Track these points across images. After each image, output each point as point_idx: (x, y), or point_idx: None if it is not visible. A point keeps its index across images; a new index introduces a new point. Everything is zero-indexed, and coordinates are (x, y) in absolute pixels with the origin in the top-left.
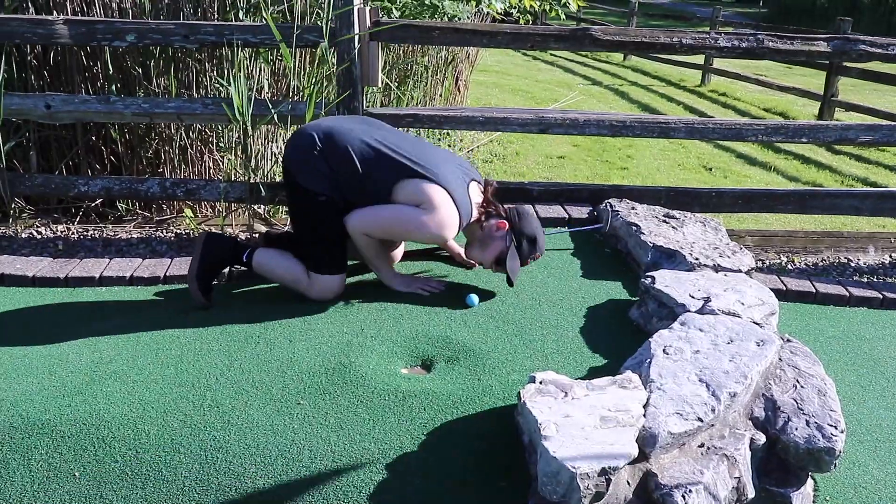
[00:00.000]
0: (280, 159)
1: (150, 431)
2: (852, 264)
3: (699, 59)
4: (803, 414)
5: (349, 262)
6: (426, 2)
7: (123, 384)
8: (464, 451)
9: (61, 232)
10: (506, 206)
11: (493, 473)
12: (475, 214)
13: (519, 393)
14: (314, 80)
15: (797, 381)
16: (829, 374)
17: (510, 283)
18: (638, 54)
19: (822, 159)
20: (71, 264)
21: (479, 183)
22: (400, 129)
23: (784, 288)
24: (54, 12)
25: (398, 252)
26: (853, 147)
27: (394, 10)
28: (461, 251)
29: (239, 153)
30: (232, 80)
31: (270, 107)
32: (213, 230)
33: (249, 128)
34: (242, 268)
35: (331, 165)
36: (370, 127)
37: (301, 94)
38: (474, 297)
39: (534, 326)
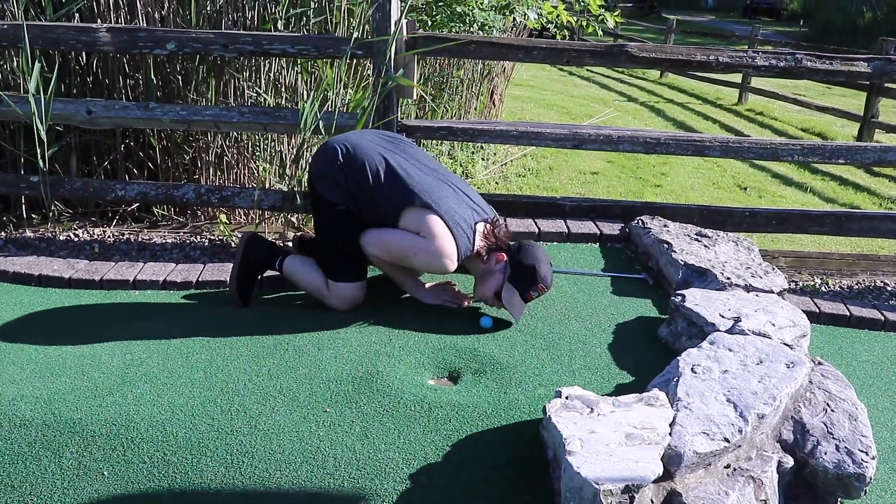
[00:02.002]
0: None
1: (178, 434)
2: (888, 288)
3: (737, 77)
4: (833, 438)
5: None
6: (457, 9)
7: (153, 387)
8: (488, 464)
9: (98, 235)
10: (515, 242)
11: (516, 487)
12: (477, 248)
13: (544, 407)
14: (357, 92)
15: (827, 404)
16: (861, 398)
17: (515, 318)
18: (674, 71)
19: (860, 181)
20: (106, 267)
21: (488, 223)
22: (433, 141)
23: (817, 310)
24: (98, 20)
25: None
26: (893, 169)
27: (429, 23)
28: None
29: (274, 162)
30: (305, 92)
31: (318, 117)
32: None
33: (307, 138)
34: (275, 272)
35: (347, 178)
36: (394, 147)
37: (333, 103)
38: (488, 320)
39: (562, 341)
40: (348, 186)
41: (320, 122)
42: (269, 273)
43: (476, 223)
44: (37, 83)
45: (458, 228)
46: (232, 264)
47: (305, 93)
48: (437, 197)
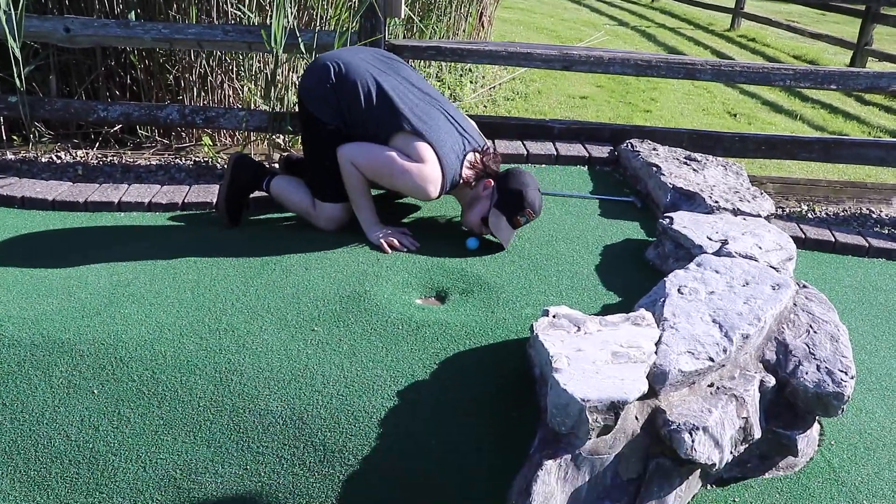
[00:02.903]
0: None
1: (167, 353)
2: (874, 216)
3: (729, 2)
4: (815, 359)
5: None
6: None
7: (141, 306)
8: (475, 382)
9: (81, 157)
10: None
11: (503, 404)
12: (464, 177)
13: (532, 326)
14: (340, 9)
15: (811, 326)
16: (843, 321)
17: (504, 244)
18: None
19: (850, 109)
20: (90, 189)
21: (477, 152)
22: (421, 63)
23: (803, 236)
24: None
25: None
26: (884, 98)
27: None
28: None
29: (259, 82)
30: (275, 7)
31: (298, 35)
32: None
33: (281, 56)
34: (263, 193)
35: (339, 98)
36: (387, 68)
37: (324, 23)
38: (475, 241)
39: (549, 262)
40: (339, 106)
41: (301, 40)
42: (256, 194)
43: (466, 153)
44: None
45: (448, 158)
46: (219, 185)
47: (291, 12)
48: (429, 124)
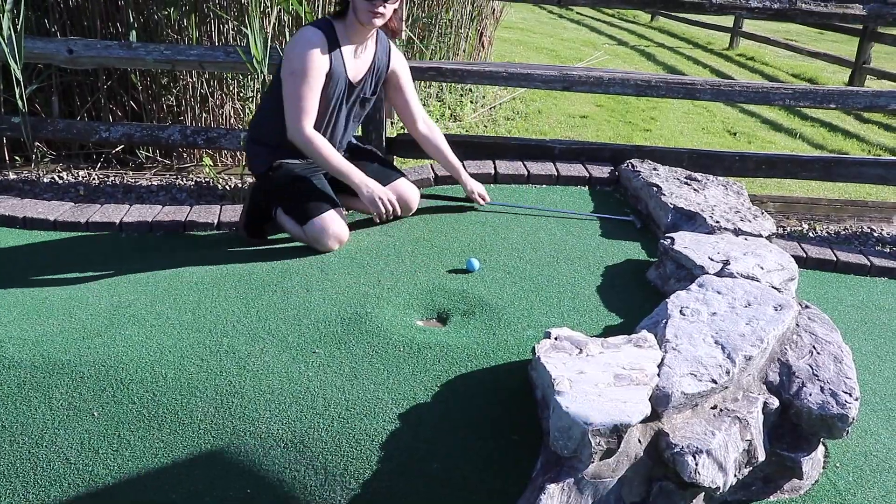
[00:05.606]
0: None
1: (167, 375)
2: (875, 234)
3: (728, 21)
4: (818, 380)
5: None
6: None
7: (142, 328)
8: (477, 404)
9: (82, 177)
10: None
11: (505, 427)
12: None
13: (534, 348)
14: None
15: (814, 347)
16: (846, 342)
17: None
18: (666, 13)
19: (849, 128)
20: (92, 209)
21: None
22: (421, 84)
23: (804, 255)
24: None
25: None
26: (883, 116)
27: None
28: (467, 179)
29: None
30: (248, 28)
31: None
32: (240, 180)
33: (267, 77)
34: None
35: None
36: None
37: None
38: (475, 262)
39: (550, 283)
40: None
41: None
42: None
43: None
44: (9, 20)
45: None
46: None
47: (287, 34)
48: None
